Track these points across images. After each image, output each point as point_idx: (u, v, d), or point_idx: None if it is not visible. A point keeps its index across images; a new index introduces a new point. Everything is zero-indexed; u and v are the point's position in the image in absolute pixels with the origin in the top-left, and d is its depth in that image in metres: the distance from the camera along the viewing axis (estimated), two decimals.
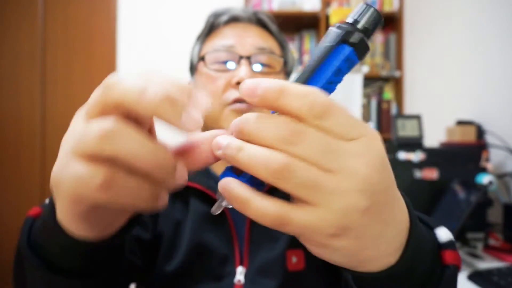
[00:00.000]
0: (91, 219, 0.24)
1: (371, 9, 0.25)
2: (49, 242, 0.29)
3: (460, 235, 1.04)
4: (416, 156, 1.15)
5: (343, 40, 0.24)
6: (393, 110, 2.02)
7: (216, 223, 0.56)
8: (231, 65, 0.58)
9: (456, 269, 0.30)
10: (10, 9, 2.06)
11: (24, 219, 0.34)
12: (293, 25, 2.09)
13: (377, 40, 2.04)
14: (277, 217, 0.21)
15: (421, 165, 1.14)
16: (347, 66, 0.24)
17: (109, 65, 2.09)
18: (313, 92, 0.22)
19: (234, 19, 0.62)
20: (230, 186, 0.22)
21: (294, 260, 0.54)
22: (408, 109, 1.96)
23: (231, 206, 0.23)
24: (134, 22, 2.09)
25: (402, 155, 1.15)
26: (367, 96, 2.03)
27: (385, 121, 2.01)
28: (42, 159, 2.07)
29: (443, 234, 0.33)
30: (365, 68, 1.87)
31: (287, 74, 0.66)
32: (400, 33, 2.02)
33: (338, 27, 0.24)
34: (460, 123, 1.28)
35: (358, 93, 1.65)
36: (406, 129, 1.23)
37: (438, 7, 1.70)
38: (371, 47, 2.03)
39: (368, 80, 2.00)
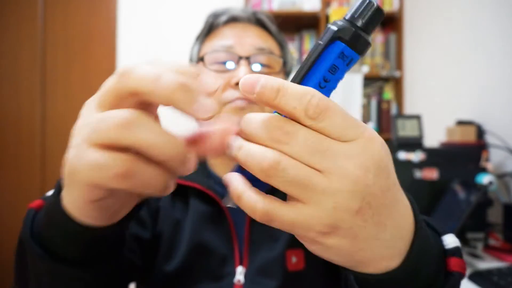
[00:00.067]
0: (102, 205, 0.25)
1: (369, 3, 0.24)
2: (53, 230, 0.29)
3: (460, 235, 1.04)
4: (416, 156, 1.15)
5: (337, 36, 0.24)
6: (393, 110, 2.02)
7: (215, 223, 0.56)
8: (230, 65, 0.58)
9: (460, 277, 0.30)
10: (10, 9, 2.06)
11: (26, 211, 0.34)
12: (293, 25, 2.09)
13: (377, 40, 2.04)
14: (264, 212, 0.22)
15: (421, 165, 1.14)
16: (344, 63, 0.24)
17: (109, 65, 2.09)
18: (310, 92, 0.22)
19: (233, 19, 0.62)
20: (230, 179, 0.24)
21: (294, 260, 0.54)
22: (408, 109, 1.96)
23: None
24: (134, 22, 2.09)
25: (402, 155, 1.15)
26: (367, 96, 2.03)
27: (385, 121, 2.01)
28: (42, 159, 2.07)
29: (450, 240, 0.32)
30: (365, 68, 1.87)
31: (286, 74, 0.66)
32: (400, 33, 2.02)
33: (333, 24, 0.24)
34: (460, 123, 1.28)
35: (358, 93, 1.65)
36: (406, 129, 1.23)
37: (438, 7, 1.70)
38: (371, 47, 2.03)
39: (368, 80, 2.00)
